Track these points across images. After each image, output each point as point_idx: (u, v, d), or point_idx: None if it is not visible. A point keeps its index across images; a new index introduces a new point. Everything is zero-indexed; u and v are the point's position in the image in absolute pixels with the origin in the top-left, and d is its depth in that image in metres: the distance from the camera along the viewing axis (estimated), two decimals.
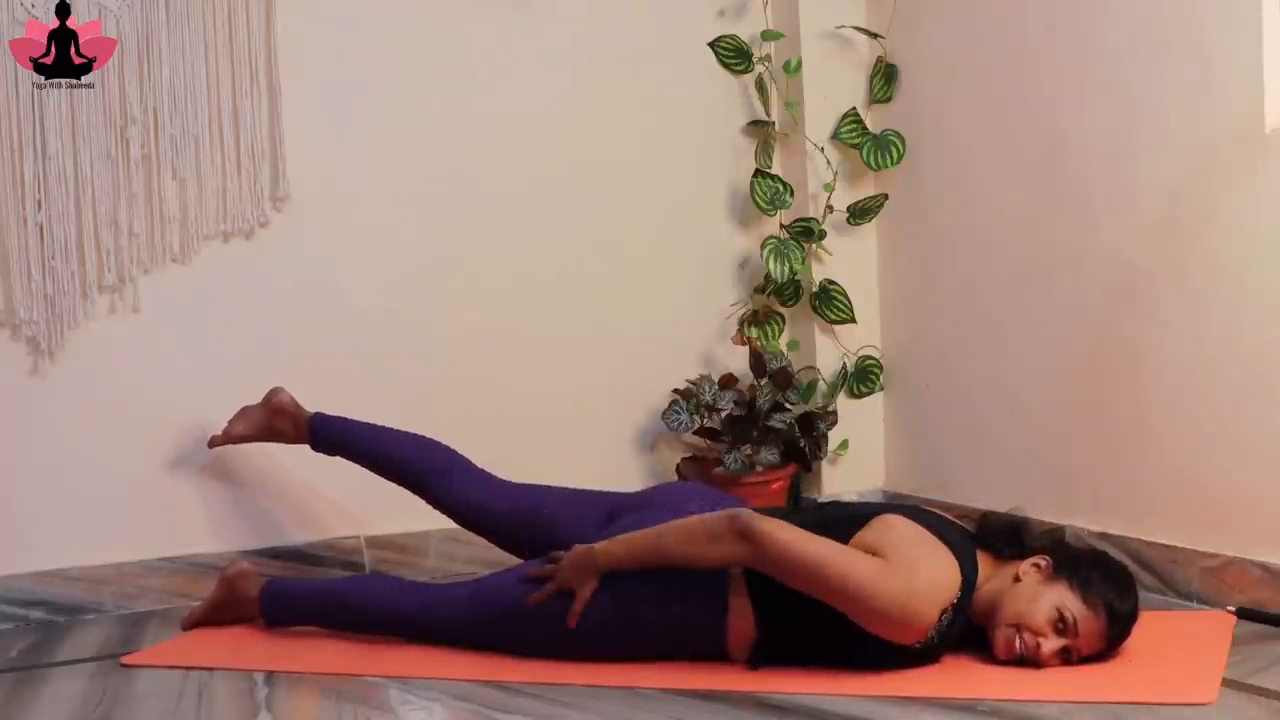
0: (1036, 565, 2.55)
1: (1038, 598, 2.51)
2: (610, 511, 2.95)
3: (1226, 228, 2.93)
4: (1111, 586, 2.53)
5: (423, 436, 3.21)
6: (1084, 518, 3.21)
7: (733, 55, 3.88)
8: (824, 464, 3.84)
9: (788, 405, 3.70)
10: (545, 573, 2.71)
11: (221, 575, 3.12)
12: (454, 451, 3.18)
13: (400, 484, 3.20)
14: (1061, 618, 2.49)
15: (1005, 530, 2.65)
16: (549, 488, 3.11)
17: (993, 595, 2.56)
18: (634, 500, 3.01)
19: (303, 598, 3.03)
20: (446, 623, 2.83)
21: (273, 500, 3.47)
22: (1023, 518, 2.70)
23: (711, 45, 3.88)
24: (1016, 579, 2.55)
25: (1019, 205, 3.44)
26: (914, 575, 2.46)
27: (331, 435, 3.24)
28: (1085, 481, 2.74)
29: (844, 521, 2.62)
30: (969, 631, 2.58)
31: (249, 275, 3.46)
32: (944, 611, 2.49)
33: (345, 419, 3.25)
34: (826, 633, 2.53)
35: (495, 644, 2.78)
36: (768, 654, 2.59)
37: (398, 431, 3.22)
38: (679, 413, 3.69)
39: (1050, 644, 2.49)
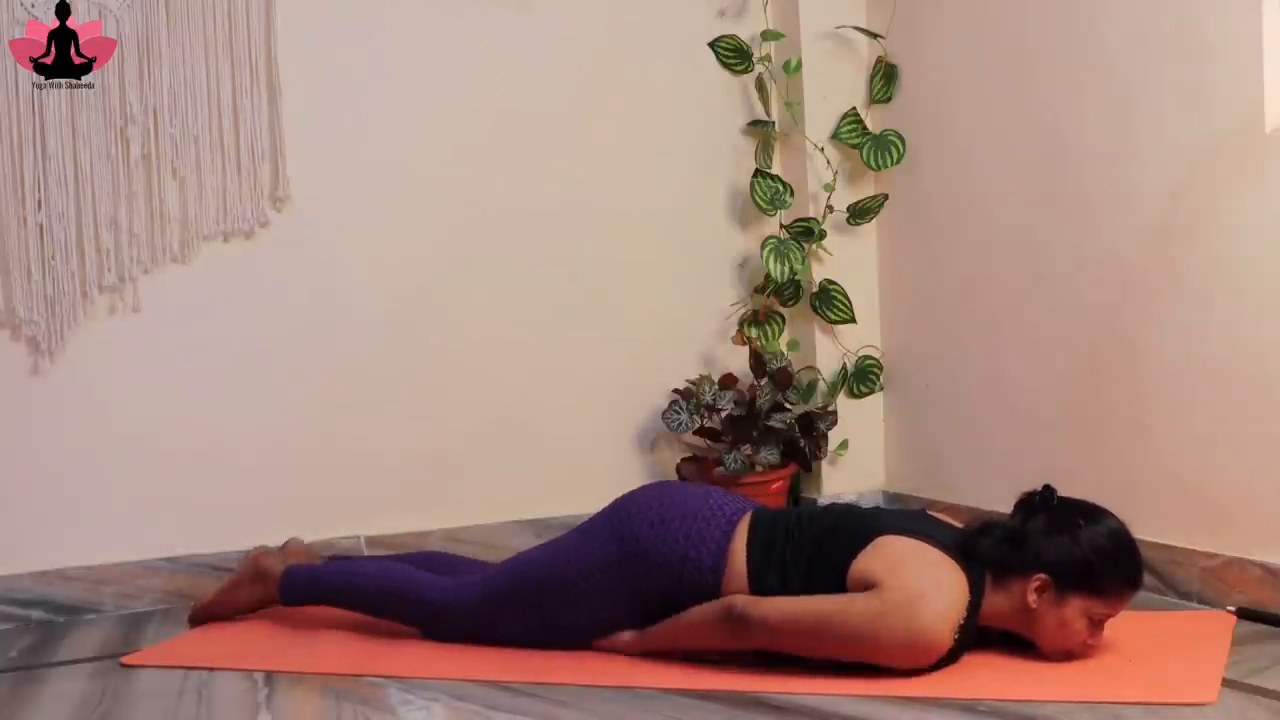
0: (1039, 590, 2.53)
1: (1065, 622, 2.53)
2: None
3: (1226, 228, 2.93)
4: (1114, 569, 2.53)
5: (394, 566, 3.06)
6: None
7: (733, 55, 3.88)
8: (824, 464, 3.84)
9: (788, 405, 3.70)
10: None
11: (249, 555, 3.13)
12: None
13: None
14: (1094, 619, 2.54)
15: (994, 555, 2.58)
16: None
17: (1004, 613, 2.57)
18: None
19: (326, 574, 3.02)
20: (468, 609, 2.84)
21: (273, 499, 3.46)
22: (987, 528, 2.63)
23: (711, 45, 3.88)
24: (1028, 607, 2.54)
25: (1019, 205, 3.44)
26: (921, 600, 2.45)
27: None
28: (1085, 481, 2.74)
29: (843, 539, 2.59)
30: (976, 634, 2.58)
31: (249, 275, 3.46)
32: (956, 630, 2.49)
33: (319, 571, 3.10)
34: None
35: (512, 620, 2.79)
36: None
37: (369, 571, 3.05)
38: (679, 413, 3.69)
39: (1097, 638, 2.57)
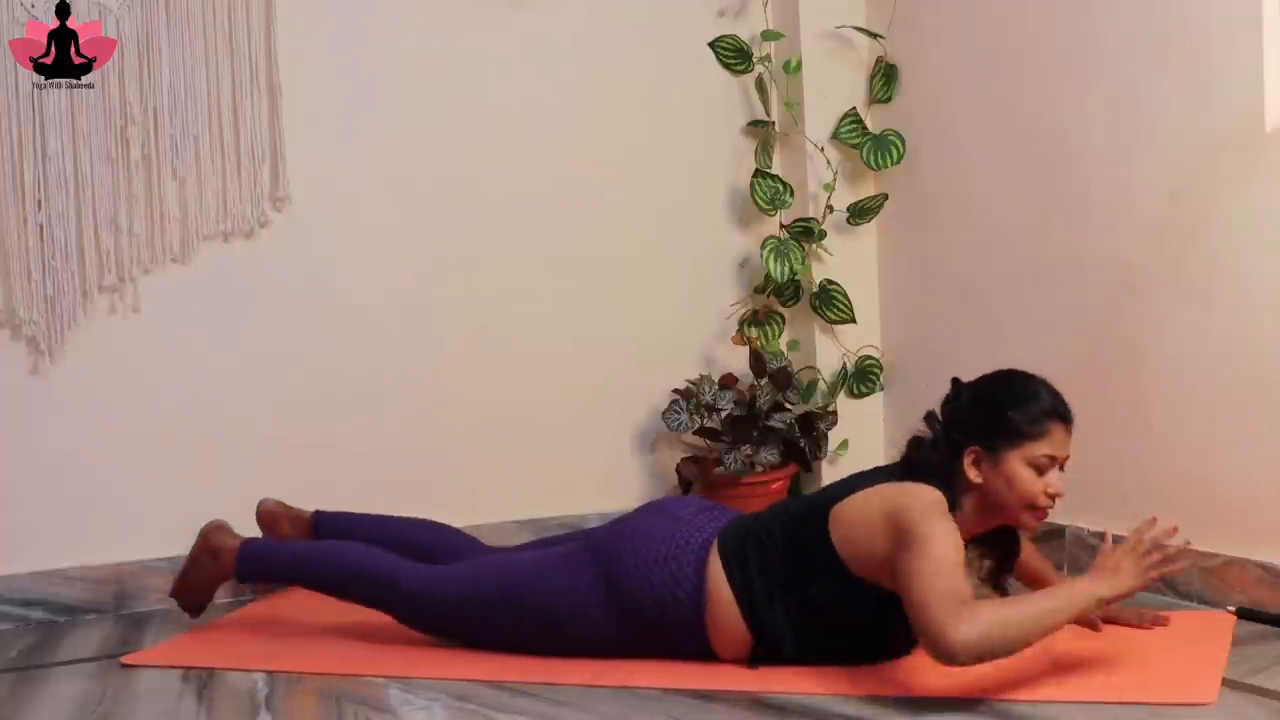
0: (974, 464, 2.52)
1: (1012, 479, 2.50)
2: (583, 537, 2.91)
3: (1226, 228, 2.93)
4: (1017, 401, 2.51)
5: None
6: (1084, 518, 3.21)
7: (733, 55, 3.88)
8: (824, 464, 3.84)
9: (788, 405, 3.70)
10: None
11: (201, 530, 3.06)
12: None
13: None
14: (1038, 465, 2.50)
15: (934, 462, 2.55)
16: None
17: (972, 512, 2.54)
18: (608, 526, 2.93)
19: (281, 553, 2.98)
20: (434, 603, 2.81)
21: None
22: (915, 443, 2.63)
23: (711, 45, 3.88)
24: (969, 483, 2.52)
25: (1019, 205, 3.44)
26: (935, 516, 2.42)
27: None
28: (1085, 481, 2.74)
29: (810, 511, 2.57)
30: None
31: (249, 275, 3.46)
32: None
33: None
34: (823, 631, 2.54)
35: (474, 628, 2.77)
36: (766, 656, 2.59)
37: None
38: (679, 413, 3.69)
39: (1056, 481, 2.51)
